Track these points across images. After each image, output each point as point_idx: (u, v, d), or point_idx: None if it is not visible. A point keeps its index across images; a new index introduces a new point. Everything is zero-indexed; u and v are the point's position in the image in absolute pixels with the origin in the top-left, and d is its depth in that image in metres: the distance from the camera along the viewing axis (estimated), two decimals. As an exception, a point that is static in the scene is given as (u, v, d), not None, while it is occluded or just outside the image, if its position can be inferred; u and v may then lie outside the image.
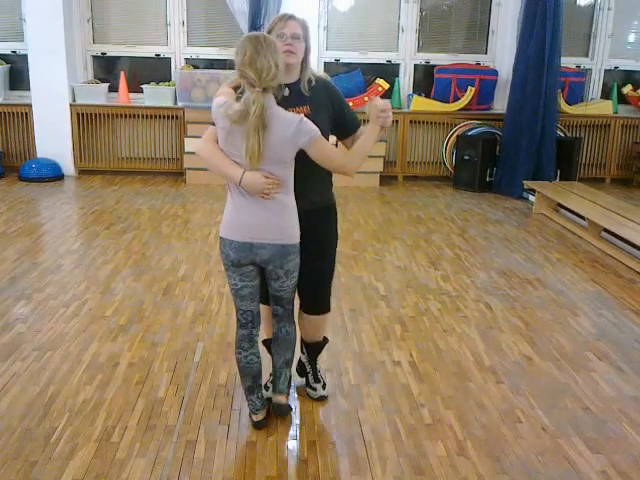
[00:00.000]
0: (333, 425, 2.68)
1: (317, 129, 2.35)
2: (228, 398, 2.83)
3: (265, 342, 2.85)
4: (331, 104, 2.61)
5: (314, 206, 2.59)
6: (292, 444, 2.54)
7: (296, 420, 2.71)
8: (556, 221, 6.02)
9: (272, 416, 2.70)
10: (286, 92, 2.48)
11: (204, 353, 3.25)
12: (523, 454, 2.50)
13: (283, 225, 2.43)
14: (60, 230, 5.36)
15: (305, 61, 2.55)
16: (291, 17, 2.52)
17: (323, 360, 3.08)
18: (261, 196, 2.36)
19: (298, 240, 2.48)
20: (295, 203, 2.46)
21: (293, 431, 2.63)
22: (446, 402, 2.86)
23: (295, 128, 2.31)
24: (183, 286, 4.15)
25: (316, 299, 2.77)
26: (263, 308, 2.69)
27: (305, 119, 2.33)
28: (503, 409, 2.82)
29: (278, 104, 2.36)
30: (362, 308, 3.88)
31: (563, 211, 6.16)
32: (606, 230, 5.25)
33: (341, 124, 2.66)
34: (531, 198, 6.71)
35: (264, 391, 2.75)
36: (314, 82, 2.58)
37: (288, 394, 2.75)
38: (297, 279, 2.57)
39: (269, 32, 2.48)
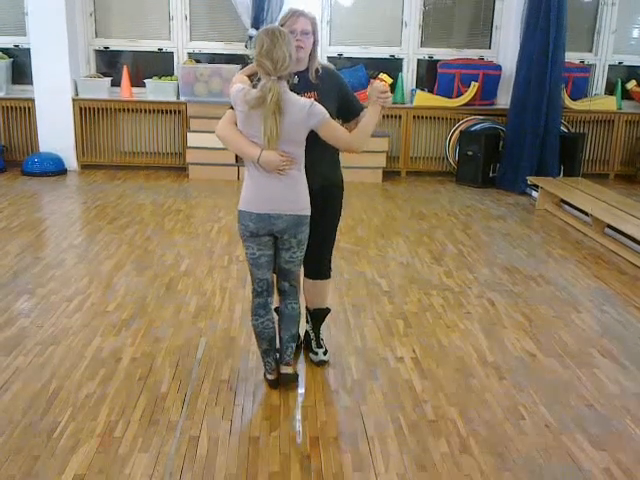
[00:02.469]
0: (336, 421, 2.68)
1: (326, 111, 2.60)
2: (231, 394, 2.83)
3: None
4: (336, 90, 2.89)
5: (324, 184, 2.87)
6: (295, 440, 2.54)
7: (299, 416, 2.71)
8: (559, 217, 6.01)
9: (274, 413, 2.70)
10: (295, 80, 2.74)
11: (207, 348, 3.25)
12: (526, 451, 2.50)
13: (297, 198, 2.69)
14: (63, 225, 5.35)
15: (313, 52, 2.84)
16: (302, 14, 2.79)
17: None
18: (277, 172, 2.62)
19: (309, 213, 2.73)
20: (306, 179, 2.71)
21: (296, 427, 2.63)
22: (449, 398, 2.85)
23: (307, 111, 2.57)
24: (186, 281, 4.14)
25: (318, 265, 3.05)
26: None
27: (315, 103, 2.60)
28: (506, 406, 2.81)
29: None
30: (365, 304, 3.88)
31: (566, 207, 6.14)
32: (610, 226, 5.23)
33: (345, 108, 2.93)
34: (534, 194, 6.69)
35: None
36: (320, 71, 2.86)
37: (293, 364, 2.95)
38: (304, 252, 2.79)
39: (281, 25, 2.74)
